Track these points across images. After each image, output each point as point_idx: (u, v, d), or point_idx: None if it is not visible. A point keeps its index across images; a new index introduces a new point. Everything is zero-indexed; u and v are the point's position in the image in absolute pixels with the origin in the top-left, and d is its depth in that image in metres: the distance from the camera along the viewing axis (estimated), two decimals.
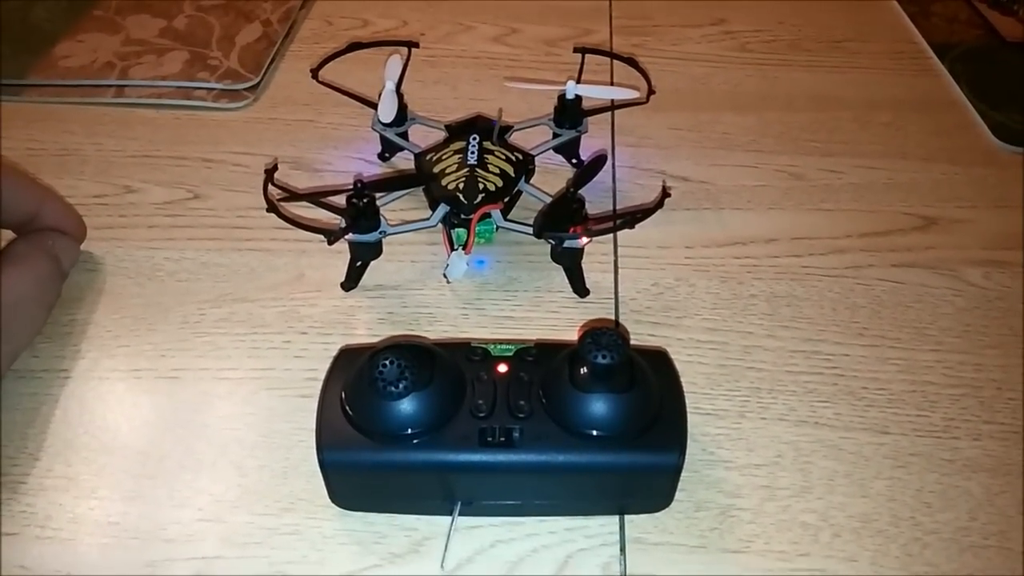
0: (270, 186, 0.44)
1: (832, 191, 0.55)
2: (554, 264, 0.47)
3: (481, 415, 0.35)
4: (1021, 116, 0.61)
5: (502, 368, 0.37)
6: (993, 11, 0.73)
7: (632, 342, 0.44)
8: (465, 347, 0.38)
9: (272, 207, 0.43)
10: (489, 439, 0.34)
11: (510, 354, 0.38)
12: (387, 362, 0.34)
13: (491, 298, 0.47)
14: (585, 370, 0.35)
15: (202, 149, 0.57)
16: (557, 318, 0.46)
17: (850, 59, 0.67)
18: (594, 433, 0.34)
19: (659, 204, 0.44)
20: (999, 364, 0.44)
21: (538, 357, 0.37)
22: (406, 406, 0.34)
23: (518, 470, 0.35)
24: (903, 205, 0.54)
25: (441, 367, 0.35)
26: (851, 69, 0.66)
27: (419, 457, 0.34)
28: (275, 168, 0.45)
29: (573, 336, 0.44)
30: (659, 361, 0.38)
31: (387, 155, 0.56)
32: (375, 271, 0.48)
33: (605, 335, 0.34)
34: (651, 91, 0.52)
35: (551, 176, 0.54)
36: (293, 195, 0.45)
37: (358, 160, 0.56)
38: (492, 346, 0.38)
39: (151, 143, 0.58)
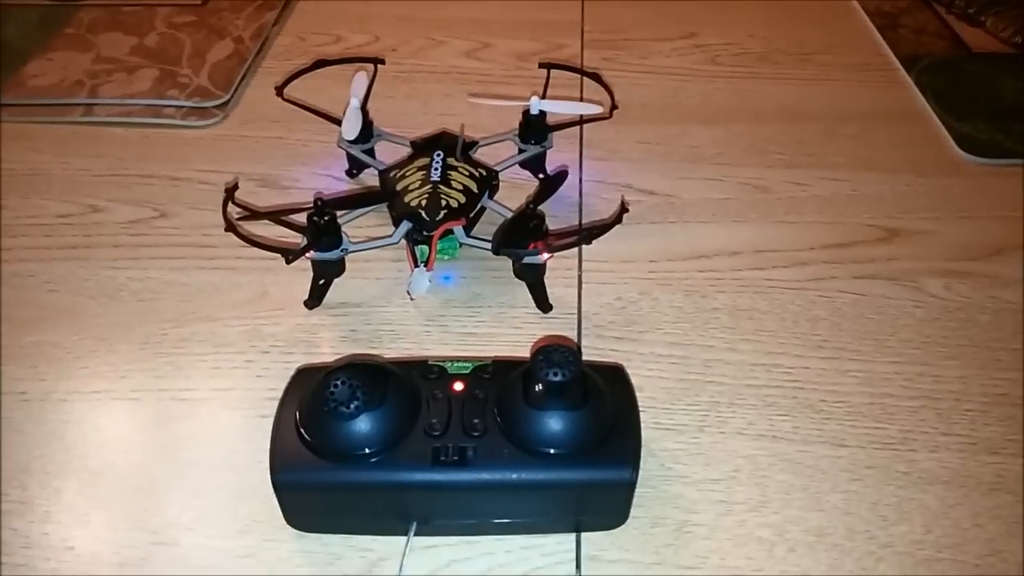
0: (230, 205, 0.44)
1: (797, 203, 0.55)
2: (518, 280, 0.47)
3: (435, 433, 0.35)
4: (986, 127, 0.61)
5: (458, 386, 0.37)
6: (961, 22, 0.74)
7: (593, 357, 0.44)
8: (422, 365, 0.38)
9: (230, 226, 0.43)
10: (443, 458, 0.34)
11: (467, 372, 0.38)
12: (339, 382, 0.34)
13: (454, 314, 0.47)
14: (539, 387, 0.35)
15: (170, 167, 0.57)
16: (520, 334, 0.46)
17: (819, 71, 0.68)
18: (548, 450, 0.35)
19: (617, 219, 0.45)
20: (958, 375, 0.44)
21: (495, 374, 0.37)
22: (359, 426, 0.34)
23: (472, 488, 0.35)
24: (867, 216, 0.54)
25: (395, 386, 0.35)
26: (819, 81, 0.67)
27: (372, 477, 0.34)
28: (235, 187, 0.45)
29: None
30: (614, 376, 0.38)
31: (355, 171, 0.56)
32: (339, 288, 0.48)
33: (557, 352, 0.34)
34: (614, 106, 0.53)
35: (518, 191, 0.54)
36: (254, 214, 0.45)
37: (326, 177, 0.57)
38: (450, 363, 0.38)
39: (119, 161, 0.58)
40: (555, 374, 0.34)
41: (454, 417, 0.36)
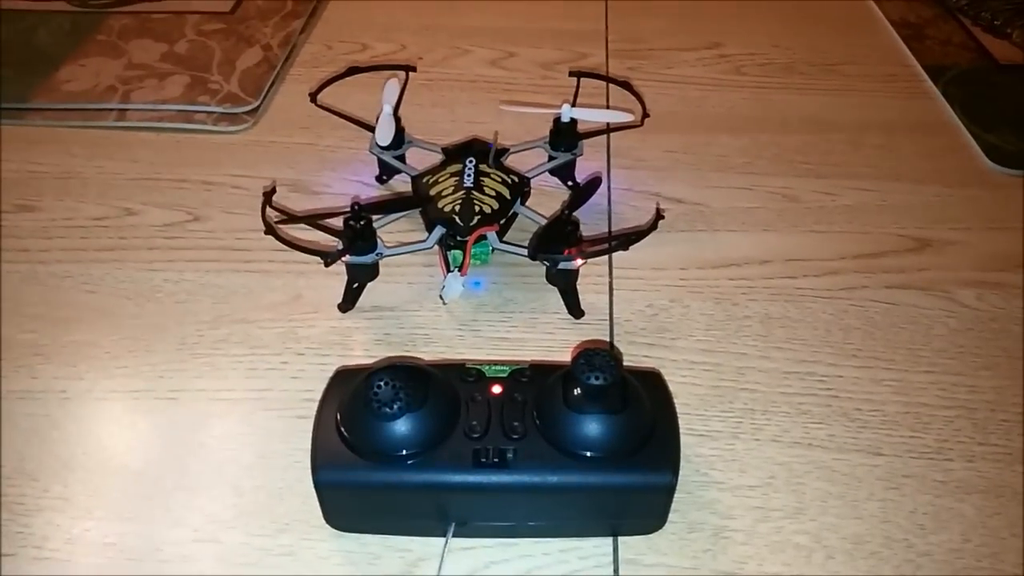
0: (268, 208, 0.44)
1: (826, 213, 0.55)
2: (549, 285, 0.47)
3: (475, 436, 0.35)
4: (1014, 138, 0.61)
5: (496, 389, 0.37)
6: (987, 35, 0.74)
7: (626, 363, 0.44)
8: (460, 368, 0.38)
9: (270, 229, 0.43)
10: (483, 460, 0.35)
11: (505, 375, 0.38)
12: (382, 383, 0.34)
13: (487, 319, 0.47)
14: (578, 391, 0.35)
15: (202, 171, 0.58)
16: (552, 339, 0.46)
17: (844, 82, 0.68)
18: (587, 453, 0.35)
19: (652, 226, 0.45)
20: (993, 385, 0.44)
21: (532, 378, 0.38)
22: (400, 427, 0.34)
23: (512, 490, 0.35)
24: (896, 227, 0.54)
25: (436, 388, 0.36)
26: (844, 92, 0.67)
27: (413, 477, 0.35)
28: (273, 191, 0.46)
29: (568, 357, 0.44)
30: (652, 382, 0.38)
31: (385, 177, 0.56)
32: (372, 292, 0.48)
33: (598, 356, 0.35)
34: (645, 114, 0.53)
35: (547, 198, 0.54)
36: (291, 217, 0.45)
37: (356, 182, 0.57)
38: (487, 367, 0.38)
39: (152, 165, 0.58)
40: (596, 378, 0.34)
41: (493, 419, 0.36)
